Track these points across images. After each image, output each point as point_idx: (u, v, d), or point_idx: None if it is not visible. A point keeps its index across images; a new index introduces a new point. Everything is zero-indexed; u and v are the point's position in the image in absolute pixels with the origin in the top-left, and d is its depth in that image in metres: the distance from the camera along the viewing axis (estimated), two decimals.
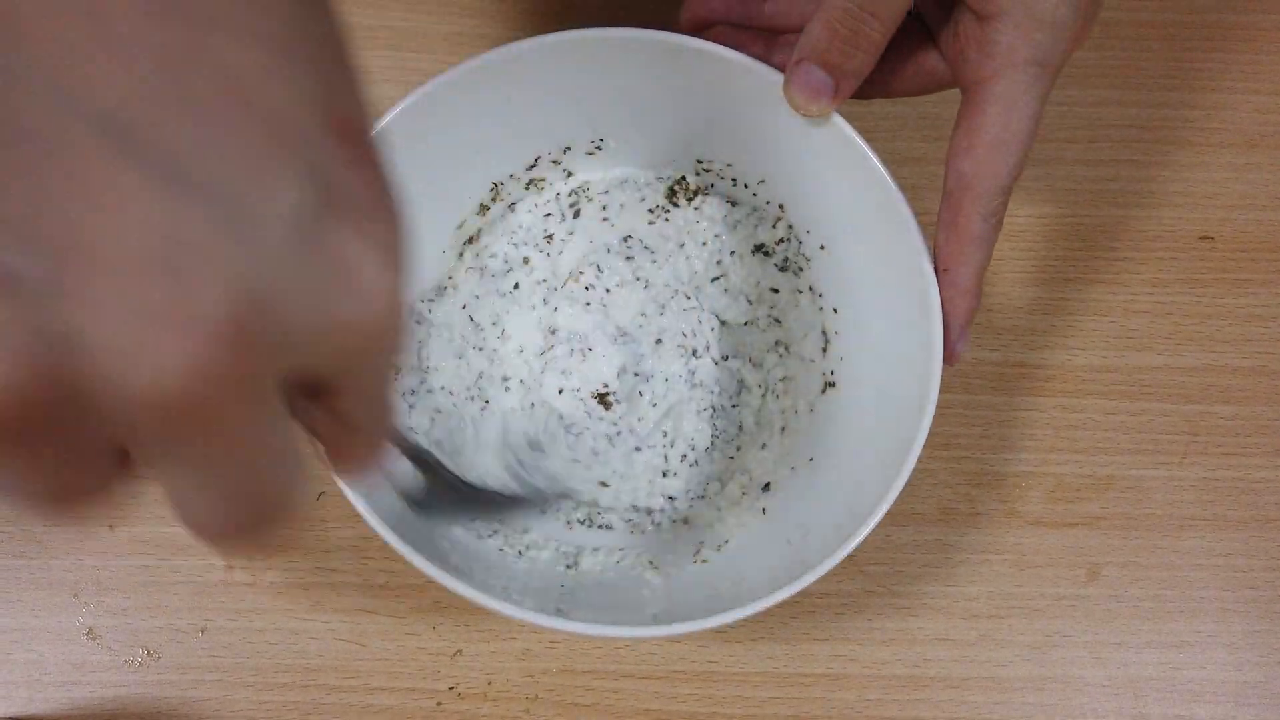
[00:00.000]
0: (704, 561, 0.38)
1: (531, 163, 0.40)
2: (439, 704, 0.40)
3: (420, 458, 0.33)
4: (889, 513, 0.43)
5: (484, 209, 0.41)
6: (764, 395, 0.41)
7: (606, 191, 0.42)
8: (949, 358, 0.35)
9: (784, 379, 0.41)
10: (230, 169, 0.16)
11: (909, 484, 0.43)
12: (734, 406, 0.41)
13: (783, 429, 0.40)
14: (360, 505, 0.31)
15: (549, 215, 0.42)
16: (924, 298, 0.34)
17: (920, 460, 0.43)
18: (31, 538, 0.40)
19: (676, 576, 0.37)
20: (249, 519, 0.18)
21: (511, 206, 0.41)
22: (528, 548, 0.38)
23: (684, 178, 0.42)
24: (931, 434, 0.43)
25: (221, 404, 0.16)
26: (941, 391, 0.44)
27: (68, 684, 0.39)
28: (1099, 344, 0.46)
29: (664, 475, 0.40)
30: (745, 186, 0.41)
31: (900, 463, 0.34)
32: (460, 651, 0.40)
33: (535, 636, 0.41)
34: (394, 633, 0.40)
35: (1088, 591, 0.42)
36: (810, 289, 0.41)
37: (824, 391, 0.40)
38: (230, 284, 0.15)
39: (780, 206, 0.40)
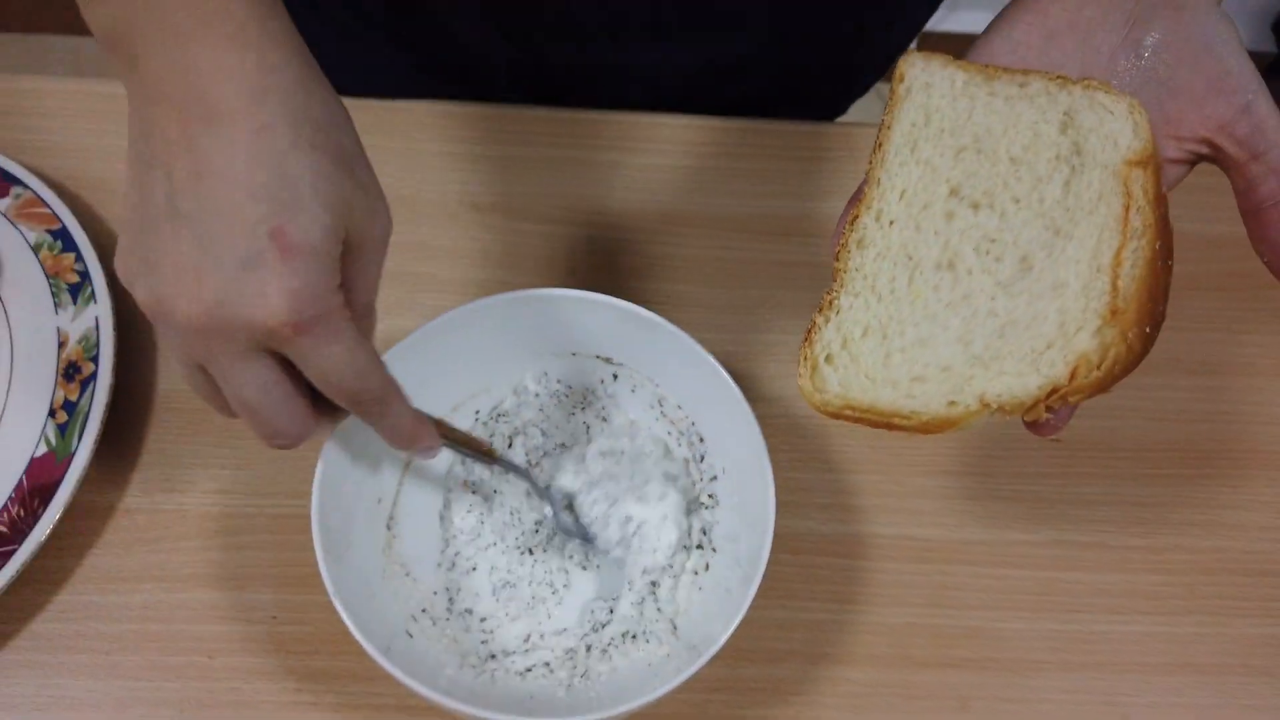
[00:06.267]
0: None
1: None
2: None
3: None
4: (809, 654, 0.55)
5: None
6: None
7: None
8: None
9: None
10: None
11: (825, 632, 0.56)
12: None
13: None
14: (366, 645, 0.45)
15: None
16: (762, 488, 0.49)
17: (832, 613, 0.57)
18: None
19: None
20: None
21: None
22: (529, 669, 0.51)
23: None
24: (838, 591, 0.57)
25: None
26: (846, 558, 0.58)
27: None
28: (970, 522, 0.59)
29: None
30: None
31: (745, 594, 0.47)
32: None
33: None
34: None
35: (962, 719, 0.54)
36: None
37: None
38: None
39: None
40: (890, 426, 0.39)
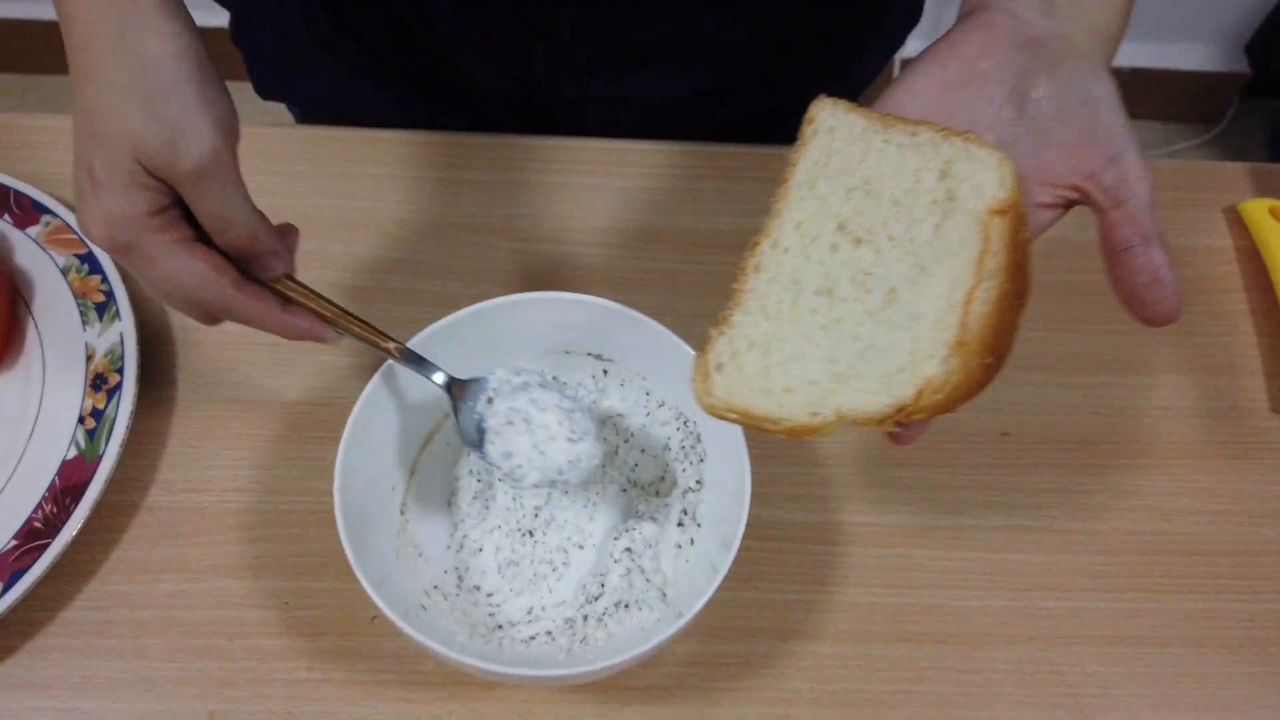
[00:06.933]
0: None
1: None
2: None
3: None
4: (779, 630, 0.60)
5: None
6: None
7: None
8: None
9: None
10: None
11: (794, 611, 0.61)
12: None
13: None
14: (387, 611, 0.49)
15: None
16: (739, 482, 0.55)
17: (800, 594, 0.61)
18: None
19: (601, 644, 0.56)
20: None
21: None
22: (533, 637, 0.56)
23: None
24: (804, 574, 0.62)
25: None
26: (813, 544, 0.63)
27: None
28: (927, 509, 0.64)
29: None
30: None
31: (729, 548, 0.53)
32: None
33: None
34: (423, 716, 0.57)
35: (918, 688, 0.59)
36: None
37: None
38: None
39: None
40: (761, 429, 0.44)
